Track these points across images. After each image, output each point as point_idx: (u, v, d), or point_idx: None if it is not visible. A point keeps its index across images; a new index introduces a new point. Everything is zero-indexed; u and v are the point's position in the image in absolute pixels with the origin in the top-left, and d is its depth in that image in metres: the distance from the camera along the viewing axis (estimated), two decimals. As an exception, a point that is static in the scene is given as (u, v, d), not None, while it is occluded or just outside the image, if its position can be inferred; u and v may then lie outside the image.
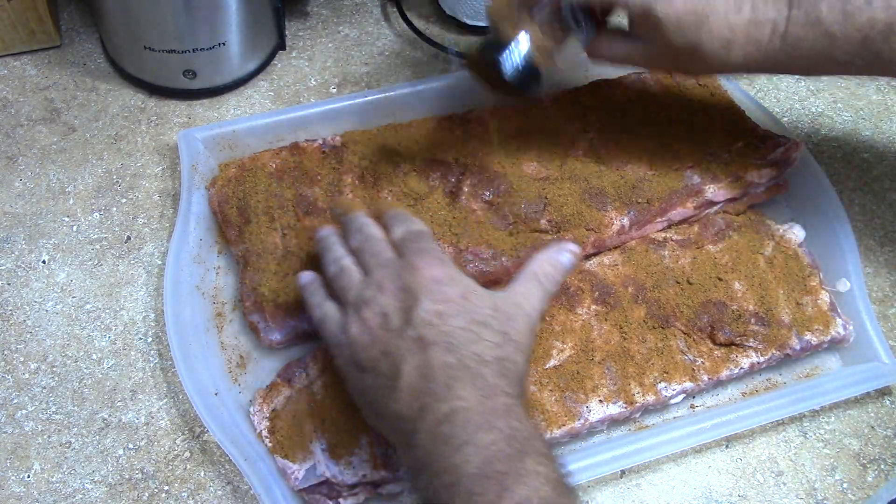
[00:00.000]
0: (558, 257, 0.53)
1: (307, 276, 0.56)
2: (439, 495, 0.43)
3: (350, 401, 0.56)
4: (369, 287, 0.50)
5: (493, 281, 0.62)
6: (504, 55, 0.55)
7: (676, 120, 0.70)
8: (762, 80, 0.81)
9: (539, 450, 0.44)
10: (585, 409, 0.57)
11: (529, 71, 0.56)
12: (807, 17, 0.53)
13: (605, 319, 0.60)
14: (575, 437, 0.58)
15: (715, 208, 0.68)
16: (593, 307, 0.61)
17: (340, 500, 0.54)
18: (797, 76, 0.82)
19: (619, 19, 0.59)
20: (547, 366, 0.58)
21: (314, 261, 0.61)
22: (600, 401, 0.57)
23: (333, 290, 0.53)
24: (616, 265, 0.63)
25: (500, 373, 0.46)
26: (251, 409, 0.56)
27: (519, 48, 0.55)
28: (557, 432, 0.56)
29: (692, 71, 0.66)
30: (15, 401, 0.58)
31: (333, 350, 0.51)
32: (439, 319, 0.47)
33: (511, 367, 0.47)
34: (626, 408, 0.57)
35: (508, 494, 0.41)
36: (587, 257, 0.65)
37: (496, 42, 0.56)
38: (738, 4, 0.53)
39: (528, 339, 0.49)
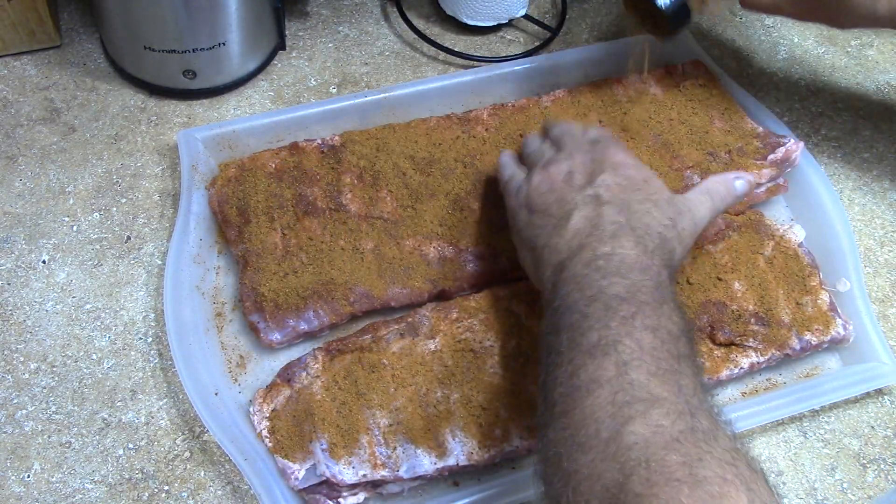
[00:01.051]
0: (733, 181, 0.57)
1: (506, 154, 0.62)
2: (574, 307, 0.46)
3: (350, 400, 0.56)
4: (560, 153, 0.56)
5: (493, 280, 0.63)
6: None
7: (676, 120, 0.70)
8: (762, 80, 0.81)
9: (676, 304, 0.47)
10: (585, 408, 0.57)
11: (682, 9, 0.60)
12: None
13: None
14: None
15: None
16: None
17: (340, 500, 0.54)
18: (798, 77, 0.82)
19: None
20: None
21: (315, 261, 0.61)
22: None
23: (525, 162, 0.59)
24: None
25: (662, 247, 0.50)
26: (251, 409, 0.56)
27: None
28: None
29: (840, 22, 0.65)
30: (15, 401, 0.59)
31: (508, 198, 0.57)
32: (618, 188, 0.52)
33: (669, 250, 0.50)
34: (625, 408, 0.57)
35: (641, 315, 0.44)
36: None
37: None
38: None
39: (689, 240, 0.53)
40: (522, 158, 0.61)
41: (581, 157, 0.55)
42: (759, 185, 0.67)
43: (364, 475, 0.53)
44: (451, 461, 0.54)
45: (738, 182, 0.57)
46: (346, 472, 0.53)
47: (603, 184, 0.52)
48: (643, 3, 0.62)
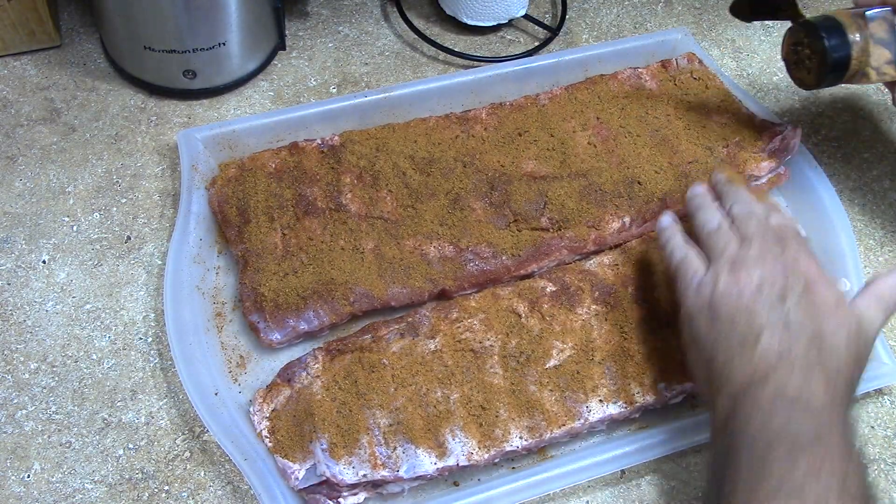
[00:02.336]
0: None
1: (668, 219, 0.59)
2: (754, 442, 0.45)
3: (350, 400, 0.56)
4: (749, 252, 0.51)
5: (493, 280, 0.63)
6: (832, 36, 0.59)
7: (673, 115, 0.70)
8: (762, 80, 0.81)
9: (859, 449, 0.46)
10: (585, 408, 0.57)
11: (841, 62, 0.59)
12: None
13: (606, 319, 0.60)
14: (575, 436, 0.58)
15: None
16: (594, 307, 0.61)
17: (340, 500, 0.54)
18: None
19: None
20: (547, 365, 0.58)
21: (315, 261, 0.61)
22: (600, 400, 0.57)
23: (702, 243, 0.55)
24: (616, 265, 0.63)
25: (849, 387, 0.48)
26: (251, 409, 0.56)
27: (849, 38, 0.59)
28: (557, 432, 0.56)
29: None
30: (15, 401, 0.59)
31: (686, 292, 0.53)
32: (811, 315, 0.48)
33: (854, 386, 0.49)
34: (626, 408, 0.57)
35: (829, 461, 0.43)
36: (587, 256, 0.65)
37: (832, 22, 0.60)
38: None
39: (866, 364, 0.51)
40: (695, 232, 0.56)
41: (772, 265, 0.51)
42: (759, 177, 0.67)
43: (364, 475, 0.53)
44: (451, 461, 0.54)
45: None
46: (346, 472, 0.53)
47: (795, 307, 0.49)
48: (808, 43, 0.61)
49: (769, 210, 0.55)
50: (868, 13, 0.59)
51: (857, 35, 0.59)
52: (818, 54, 0.60)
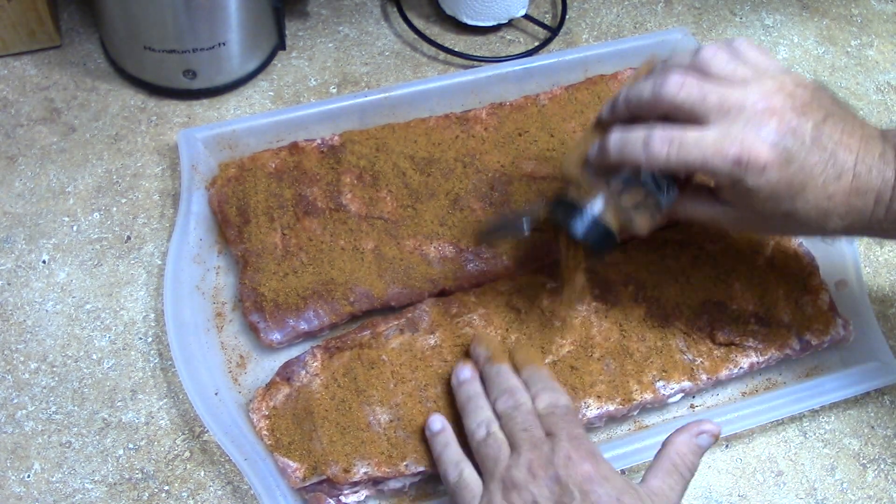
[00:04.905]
0: (696, 441, 0.51)
1: (439, 424, 0.54)
2: None
3: (349, 397, 0.56)
4: (519, 469, 0.48)
5: (493, 278, 0.62)
6: (576, 219, 0.53)
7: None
8: (762, 80, 0.81)
9: None
10: (583, 404, 0.57)
11: (602, 233, 0.53)
12: None
13: (605, 317, 0.60)
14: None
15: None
16: (593, 304, 0.61)
17: (342, 497, 0.54)
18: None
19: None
20: (545, 361, 0.58)
21: (315, 261, 0.61)
22: (598, 397, 0.57)
23: (475, 453, 0.51)
24: (617, 263, 0.63)
25: None
26: (250, 408, 0.56)
27: (592, 211, 0.52)
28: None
29: (786, 234, 0.63)
30: (15, 401, 0.59)
31: None
32: None
33: None
34: (623, 405, 0.57)
35: None
36: None
37: (569, 202, 0.53)
38: (838, 173, 0.48)
39: None
40: (466, 433, 0.52)
41: (543, 475, 0.47)
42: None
43: (365, 472, 0.53)
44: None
45: (702, 440, 0.51)
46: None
47: None
48: (561, 229, 0.54)
49: (537, 392, 0.52)
50: (612, 182, 0.52)
51: (599, 203, 0.52)
52: (581, 242, 0.54)
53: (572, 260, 0.57)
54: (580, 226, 0.52)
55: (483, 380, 0.55)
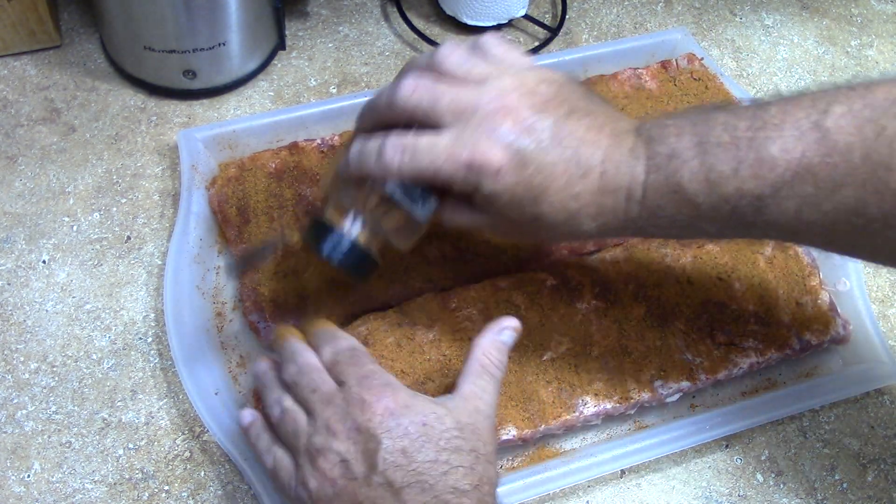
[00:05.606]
0: (500, 339, 0.50)
1: (248, 417, 0.51)
2: None
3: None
4: (319, 432, 0.46)
5: (493, 276, 0.62)
6: (330, 243, 0.48)
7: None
8: (762, 80, 0.81)
9: None
10: (581, 402, 0.57)
11: (358, 258, 0.49)
12: (667, 184, 0.44)
13: (605, 315, 0.60)
14: (570, 429, 0.58)
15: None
16: (593, 302, 0.61)
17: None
18: (798, 77, 0.82)
19: None
20: (544, 357, 0.58)
21: (315, 261, 0.61)
22: (596, 395, 0.57)
23: (279, 435, 0.49)
24: (617, 262, 0.63)
25: (480, 500, 0.44)
26: (247, 407, 0.56)
27: (347, 234, 0.48)
28: (553, 424, 0.56)
29: (541, 240, 0.60)
30: (15, 401, 0.59)
31: (286, 497, 0.47)
32: (405, 458, 0.44)
33: (488, 488, 0.45)
34: (621, 403, 0.57)
35: None
36: (589, 253, 0.65)
37: (324, 224, 0.49)
38: (583, 171, 0.45)
39: (494, 444, 0.47)
40: (270, 422, 0.50)
41: (342, 428, 0.45)
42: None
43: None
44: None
45: (504, 335, 0.50)
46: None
47: (386, 462, 0.43)
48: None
49: (319, 348, 0.50)
50: (364, 196, 0.48)
51: (350, 222, 0.49)
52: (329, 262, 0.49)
53: (329, 291, 0.54)
54: (334, 252, 0.48)
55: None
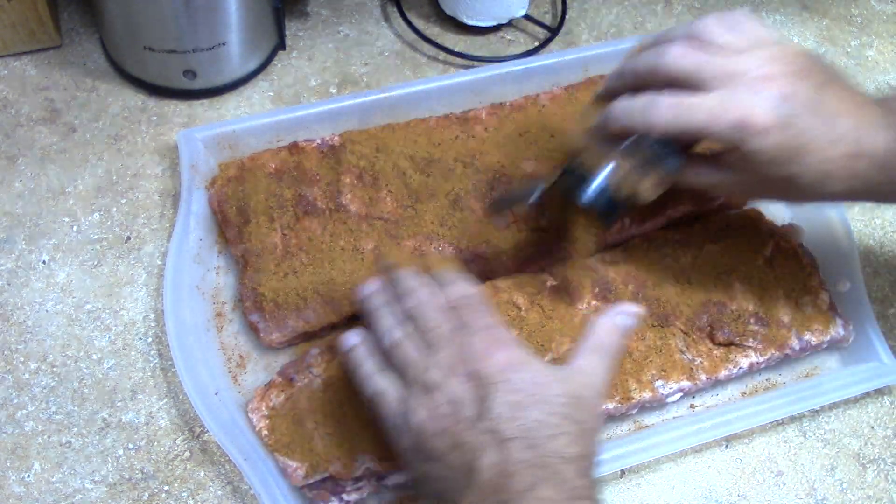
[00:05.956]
0: (617, 320, 0.51)
1: (354, 338, 0.52)
2: None
3: (351, 394, 0.56)
4: (434, 367, 0.47)
5: (492, 278, 0.63)
6: (583, 187, 0.53)
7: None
8: (762, 80, 0.81)
9: None
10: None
11: (608, 200, 0.53)
12: None
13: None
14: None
15: (716, 203, 0.68)
16: (593, 302, 0.61)
17: (344, 494, 0.54)
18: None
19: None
20: (545, 359, 0.58)
21: (315, 261, 0.61)
22: None
23: (387, 357, 0.50)
24: (617, 262, 0.63)
25: (582, 472, 0.45)
26: (249, 408, 0.56)
27: (598, 180, 0.53)
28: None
29: (787, 200, 0.63)
30: (15, 401, 0.59)
31: (392, 432, 0.48)
32: (515, 412, 0.45)
33: (588, 464, 0.46)
34: (622, 403, 0.57)
35: None
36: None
37: (576, 172, 0.54)
38: (838, 136, 0.49)
39: (599, 422, 0.48)
40: (381, 347, 0.50)
41: (459, 369, 0.46)
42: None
43: (367, 468, 0.53)
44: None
45: (624, 319, 0.52)
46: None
47: (497, 413, 0.44)
48: (568, 200, 0.54)
49: (443, 286, 0.51)
50: (620, 149, 0.53)
51: (605, 172, 0.53)
52: (587, 211, 0.54)
53: (581, 232, 0.57)
54: (587, 194, 0.53)
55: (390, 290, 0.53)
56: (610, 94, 0.55)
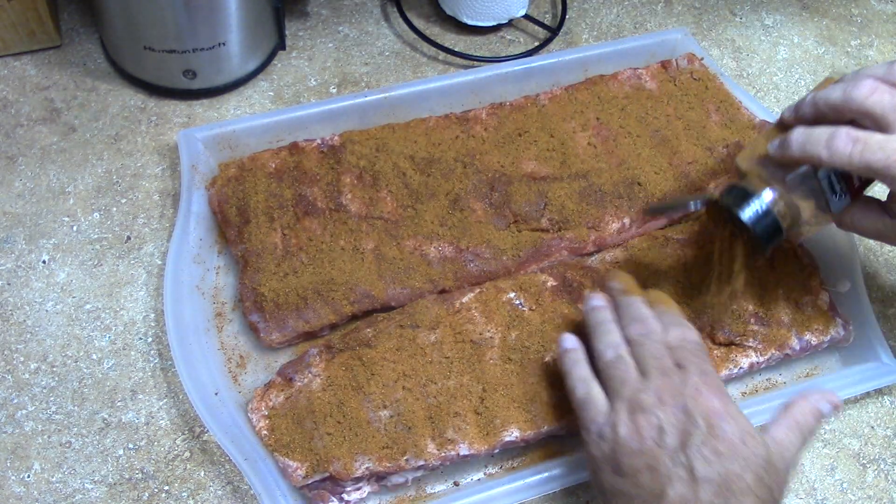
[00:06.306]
0: (820, 407, 0.51)
1: (572, 342, 0.55)
2: None
3: (350, 394, 0.56)
4: (647, 392, 0.49)
5: (493, 278, 0.62)
6: (747, 205, 0.54)
7: (673, 115, 0.70)
8: (762, 80, 0.81)
9: None
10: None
11: (771, 224, 0.54)
12: None
13: (606, 317, 0.60)
14: (572, 430, 0.58)
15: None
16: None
17: (344, 494, 0.54)
18: (798, 77, 0.82)
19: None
20: (546, 359, 0.58)
21: (315, 261, 0.61)
22: None
23: (602, 373, 0.52)
24: (618, 262, 0.63)
25: None
26: (249, 408, 0.56)
27: (764, 203, 0.54)
28: (555, 425, 0.56)
29: None
30: (15, 401, 0.59)
31: (589, 437, 0.50)
32: (715, 458, 0.46)
33: None
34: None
35: None
36: (589, 254, 0.65)
37: (741, 190, 0.55)
38: None
39: (783, 498, 0.48)
40: (594, 356, 0.53)
41: (671, 401, 0.48)
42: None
43: (367, 468, 0.53)
44: (451, 451, 0.54)
45: (824, 406, 0.51)
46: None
47: (698, 451, 0.46)
48: (727, 217, 0.56)
49: (668, 325, 0.53)
50: (788, 178, 0.54)
51: (773, 194, 0.54)
52: (747, 231, 0.55)
53: (729, 257, 0.58)
54: (750, 212, 0.54)
55: (615, 310, 0.56)
56: (788, 124, 0.55)
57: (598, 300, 0.56)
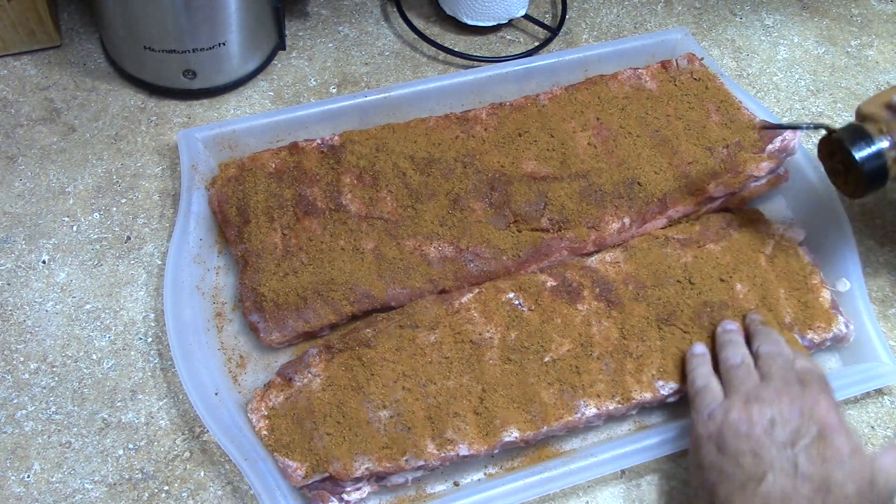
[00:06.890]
0: None
1: (701, 348, 0.59)
2: None
3: (350, 394, 0.56)
4: (767, 389, 0.52)
5: (493, 278, 0.62)
6: (861, 143, 0.56)
7: (673, 115, 0.70)
8: (762, 80, 0.81)
9: None
10: (582, 403, 0.57)
11: (878, 166, 0.56)
12: None
13: (606, 316, 0.60)
14: (572, 430, 0.58)
15: (716, 203, 0.68)
16: (594, 303, 0.61)
17: (344, 494, 0.54)
18: (798, 77, 0.82)
19: None
20: (545, 359, 0.58)
21: (315, 261, 0.61)
22: (597, 396, 0.57)
23: (723, 375, 0.55)
24: (618, 262, 0.63)
25: None
26: (249, 408, 0.56)
27: (878, 146, 0.56)
28: (555, 425, 0.56)
29: None
30: (15, 401, 0.59)
31: (698, 417, 0.53)
32: (821, 461, 0.48)
33: None
34: (622, 404, 0.57)
35: None
36: (588, 254, 0.65)
37: (859, 128, 0.57)
38: None
39: None
40: (720, 365, 0.56)
41: (788, 406, 0.50)
42: (759, 177, 0.67)
43: (367, 468, 0.53)
44: (451, 451, 0.54)
45: None
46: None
47: (806, 450, 0.48)
48: (840, 155, 0.57)
49: (797, 354, 0.56)
50: None
51: (889, 142, 0.56)
52: (854, 168, 0.57)
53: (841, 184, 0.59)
54: (862, 150, 0.55)
55: (749, 335, 0.59)
56: None
57: (732, 324, 0.60)
